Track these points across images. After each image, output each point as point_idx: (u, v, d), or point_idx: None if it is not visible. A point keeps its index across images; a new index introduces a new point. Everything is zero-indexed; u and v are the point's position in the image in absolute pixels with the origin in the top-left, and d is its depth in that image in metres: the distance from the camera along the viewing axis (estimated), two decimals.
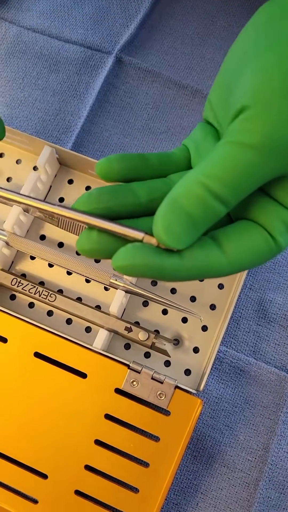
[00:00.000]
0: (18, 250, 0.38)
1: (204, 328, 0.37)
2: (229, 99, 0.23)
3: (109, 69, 0.43)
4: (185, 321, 0.37)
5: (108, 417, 0.33)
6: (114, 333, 0.35)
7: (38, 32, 0.45)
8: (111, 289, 0.37)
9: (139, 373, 0.33)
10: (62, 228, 0.38)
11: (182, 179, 0.21)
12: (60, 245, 0.39)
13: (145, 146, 0.42)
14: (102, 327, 0.35)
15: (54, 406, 0.33)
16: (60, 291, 0.38)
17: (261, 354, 0.37)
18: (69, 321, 0.37)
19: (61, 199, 0.40)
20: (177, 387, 0.32)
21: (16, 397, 0.33)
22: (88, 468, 0.32)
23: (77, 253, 0.39)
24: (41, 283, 0.38)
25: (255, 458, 0.35)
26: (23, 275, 0.38)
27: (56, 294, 0.35)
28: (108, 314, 0.35)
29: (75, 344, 0.33)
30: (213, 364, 0.36)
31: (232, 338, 0.37)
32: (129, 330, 0.34)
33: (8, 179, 0.40)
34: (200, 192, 0.20)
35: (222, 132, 0.25)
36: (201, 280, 0.38)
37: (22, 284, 0.36)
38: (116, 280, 0.35)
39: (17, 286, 0.36)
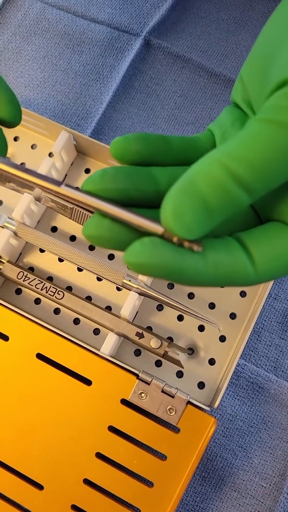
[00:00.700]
0: (27, 242, 0.35)
1: (222, 339, 0.34)
2: (267, 73, 0.20)
3: (136, 52, 0.40)
4: (201, 329, 0.34)
5: (111, 429, 0.30)
6: (124, 338, 0.32)
7: (63, 10, 0.42)
8: (124, 289, 0.34)
9: (149, 384, 0.30)
10: (75, 221, 0.36)
11: (202, 158, 0.18)
12: (72, 238, 0.36)
13: None
14: (112, 330, 0.32)
15: (55, 413, 0.30)
16: (69, 288, 0.35)
17: (282, 371, 0.34)
18: (76, 321, 0.34)
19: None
20: (189, 402, 0.30)
21: (14, 400, 0.31)
22: (87, 482, 0.30)
23: (90, 248, 0.36)
24: (49, 279, 0.35)
25: (270, 485, 0.32)
26: (31, 269, 0.36)
27: (64, 292, 0.33)
28: (119, 317, 0.32)
29: (81, 348, 0.31)
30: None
31: (252, 351, 0.34)
32: (140, 336, 0.32)
33: (22, 165, 0.38)
34: (220, 174, 0.17)
35: (255, 114, 0.22)
36: (222, 286, 0.35)
37: (29, 278, 0.33)
38: (130, 280, 0.32)
39: (24, 280, 0.33)
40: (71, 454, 0.30)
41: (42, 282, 0.33)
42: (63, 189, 0.19)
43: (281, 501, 0.32)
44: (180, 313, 0.34)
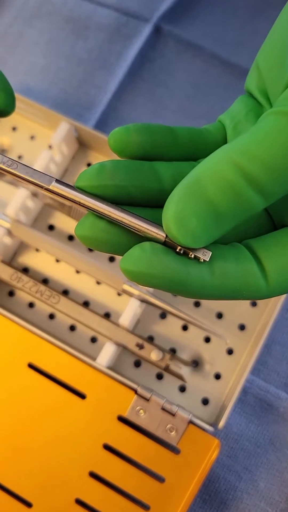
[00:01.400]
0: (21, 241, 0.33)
1: (230, 352, 0.31)
2: (285, 60, 0.18)
3: (145, 39, 0.38)
4: (207, 340, 0.31)
5: (107, 447, 0.28)
6: (123, 348, 0.30)
7: None
8: (124, 294, 0.32)
9: (148, 400, 0.28)
10: (74, 218, 0.33)
11: (211, 155, 0.16)
12: (71, 238, 0.34)
13: None
14: (110, 339, 0.29)
15: (46, 427, 0.28)
16: (66, 292, 0.33)
17: None
18: (72, 327, 0.32)
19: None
20: (191, 422, 0.27)
21: (2, 412, 0.28)
22: (79, 502, 0.28)
23: (90, 250, 0.33)
24: (45, 281, 0.33)
25: (276, 511, 0.30)
26: (25, 270, 0.33)
27: (60, 296, 0.30)
28: (118, 325, 0.30)
29: (76, 359, 0.28)
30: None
31: (261, 365, 0.32)
32: (140, 346, 0.29)
33: (20, 157, 0.35)
34: (231, 174, 0.15)
35: (271, 105, 0.20)
36: (229, 299, 0.32)
37: (23, 280, 0.31)
38: (130, 286, 0.29)
39: (17, 282, 0.31)
40: (63, 472, 0.28)
41: (36, 284, 0.31)
42: (55, 187, 0.17)
43: None
44: (184, 322, 0.32)
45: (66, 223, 0.34)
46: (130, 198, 0.18)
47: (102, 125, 0.37)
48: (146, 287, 0.30)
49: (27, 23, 0.40)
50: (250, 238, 0.18)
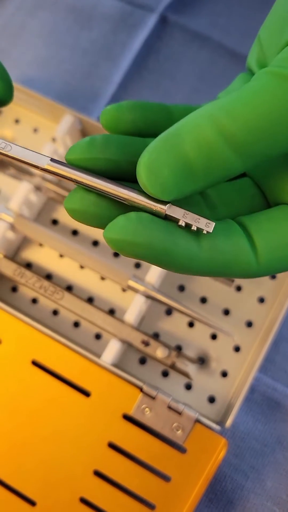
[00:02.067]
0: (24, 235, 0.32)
1: (236, 349, 0.31)
2: (285, 27, 0.17)
3: (150, 29, 0.38)
4: (214, 337, 0.31)
5: (111, 446, 0.27)
6: (128, 345, 0.29)
7: None
8: (129, 290, 0.31)
9: (154, 399, 0.27)
10: None
11: (197, 110, 0.16)
12: (75, 233, 0.33)
13: None
14: (115, 336, 0.29)
15: (50, 425, 0.28)
16: (70, 288, 0.32)
17: None
18: (76, 324, 0.31)
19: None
20: (197, 421, 0.27)
21: (6, 409, 0.28)
22: (83, 501, 0.27)
23: (94, 244, 0.33)
24: (48, 276, 0.32)
25: (283, 511, 0.29)
26: (29, 265, 0.33)
27: (64, 292, 0.30)
28: (123, 322, 0.29)
29: (80, 356, 0.28)
30: None
31: (269, 363, 0.31)
32: (146, 343, 0.29)
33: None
34: (210, 130, 0.15)
35: None
36: (238, 291, 0.31)
37: (27, 276, 0.30)
38: (136, 282, 0.29)
39: (21, 278, 0.30)
40: (67, 470, 0.28)
41: (40, 280, 0.30)
42: (50, 166, 0.16)
43: None
44: (190, 319, 0.31)
45: (69, 218, 0.33)
46: (121, 172, 0.17)
47: None
48: (152, 283, 0.29)
49: (29, 13, 0.39)
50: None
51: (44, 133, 0.35)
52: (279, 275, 0.31)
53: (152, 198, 0.16)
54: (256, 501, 0.30)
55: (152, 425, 0.27)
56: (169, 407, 0.27)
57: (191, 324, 0.31)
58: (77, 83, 0.37)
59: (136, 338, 0.29)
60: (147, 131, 0.19)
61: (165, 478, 0.27)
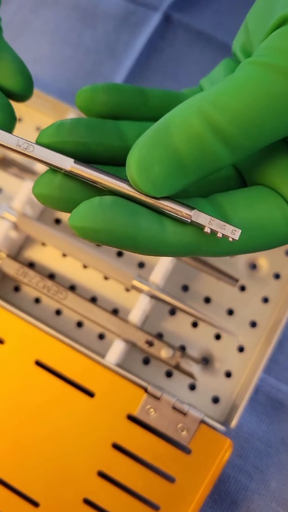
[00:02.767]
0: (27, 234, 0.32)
1: (240, 349, 0.31)
2: (270, 15, 0.17)
3: (154, 28, 0.37)
4: (218, 337, 0.31)
5: (116, 447, 0.27)
6: (131, 345, 0.29)
7: None
8: (133, 289, 0.31)
9: (158, 399, 0.27)
10: None
11: (183, 102, 0.16)
12: None
13: None
14: (119, 336, 0.29)
15: (53, 426, 0.28)
16: (73, 287, 0.32)
17: None
18: (80, 323, 0.31)
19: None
20: (202, 421, 0.27)
21: (10, 409, 0.28)
22: (87, 502, 0.27)
23: (98, 244, 0.33)
24: (51, 276, 0.32)
25: None
26: (31, 264, 0.32)
27: (68, 292, 0.30)
28: (127, 322, 0.29)
29: (84, 356, 0.28)
30: None
31: (273, 363, 0.31)
32: (150, 344, 0.29)
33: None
34: (199, 124, 0.15)
35: None
36: (242, 290, 0.31)
37: (30, 276, 0.30)
38: (140, 283, 0.29)
39: (24, 278, 0.30)
40: (70, 471, 0.27)
41: (43, 280, 0.30)
42: (74, 168, 0.16)
43: None
44: (194, 319, 0.31)
45: None
46: (92, 155, 0.17)
47: None
48: (156, 283, 0.29)
49: (32, 10, 0.38)
50: None
51: None
52: (283, 275, 0.31)
53: (179, 204, 0.16)
54: (260, 502, 0.30)
55: (156, 426, 0.27)
56: (174, 408, 0.27)
57: (195, 324, 0.31)
58: (80, 81, 0.37)
59: (140, 338, 0.29)
60: (121, 113, 0.19)
61: (170, 479, 0.27)
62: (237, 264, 0.31)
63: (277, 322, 0.29)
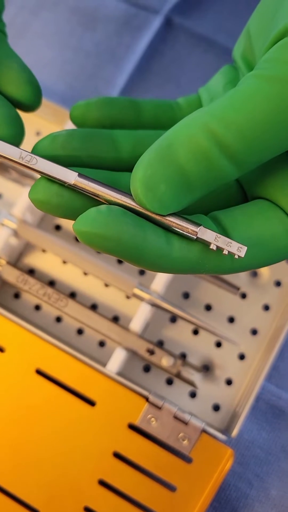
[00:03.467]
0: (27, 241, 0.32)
1: (241, 357, 0.30)
2: (272, 22, 0.17)
3: (155, 31, 0.37)
4: (219, 345, 0.31)
5: (117, 456, 0.27)
6: (132, 353, 0.29)
7: None
8: (133, 297, 0.31)
9: (160, 408, 0.27)
10: None
11: (186, 117, 0.15)
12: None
13: None
14: (119, 344, 0.29)
15: (54, 435, 0.28)
16: (73, 295, 0.32)
17: None
18: (80, 331, 0.31)
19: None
20: (204, 431, 0.27)
21: (11, 418, 0.28)
22: (88, 511, 0.27)
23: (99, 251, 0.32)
24: (51, 283, 0.32)
25: None
26: (31, 271, 0.32)
27: (68, 299, 0.29)
28: (128, 330, 0.29)
29: (85, 365, 0.28)
30: None
31: (274, 370, 0.31)
32: (151, 352, 0.28)
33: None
34: (204, 140, 0.15)
35: None
36: (243, 298, 0.31)
37: (30, 283, 0.30)
38: (141, 291, 0.28)
39: (24, 285, 0.30)
40: (71, 479, 0.27)
41: (44, 287, 0.30)
42: (78, 182, 0.16)
43: None
44: (195, 327, 0.31)
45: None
46: (86, 167, 0.17)
47: None
48: (157, 292, 0.29)
49: (32, 14, 0.38)
50: (219, 210, 0.17)
51: None
52: (284, 283, 0.31)
53: (185, 220, 0.15)
54: (261, 509, 0.30)
55: (158, 435, 0.27)
56: (175, 417, 0.27)
57: (195, 332, 0.31)
58: (80, 86, 0.36)
59: (141, 347, 0.29)
60: (115, 126, 0.19)
61: (171, 488, 0.27)
62: None
63: (278, 330, 0.29)
